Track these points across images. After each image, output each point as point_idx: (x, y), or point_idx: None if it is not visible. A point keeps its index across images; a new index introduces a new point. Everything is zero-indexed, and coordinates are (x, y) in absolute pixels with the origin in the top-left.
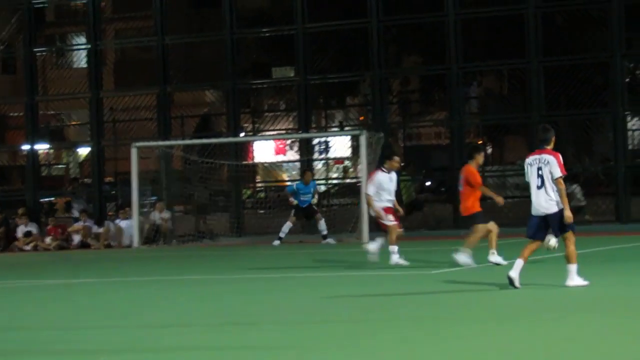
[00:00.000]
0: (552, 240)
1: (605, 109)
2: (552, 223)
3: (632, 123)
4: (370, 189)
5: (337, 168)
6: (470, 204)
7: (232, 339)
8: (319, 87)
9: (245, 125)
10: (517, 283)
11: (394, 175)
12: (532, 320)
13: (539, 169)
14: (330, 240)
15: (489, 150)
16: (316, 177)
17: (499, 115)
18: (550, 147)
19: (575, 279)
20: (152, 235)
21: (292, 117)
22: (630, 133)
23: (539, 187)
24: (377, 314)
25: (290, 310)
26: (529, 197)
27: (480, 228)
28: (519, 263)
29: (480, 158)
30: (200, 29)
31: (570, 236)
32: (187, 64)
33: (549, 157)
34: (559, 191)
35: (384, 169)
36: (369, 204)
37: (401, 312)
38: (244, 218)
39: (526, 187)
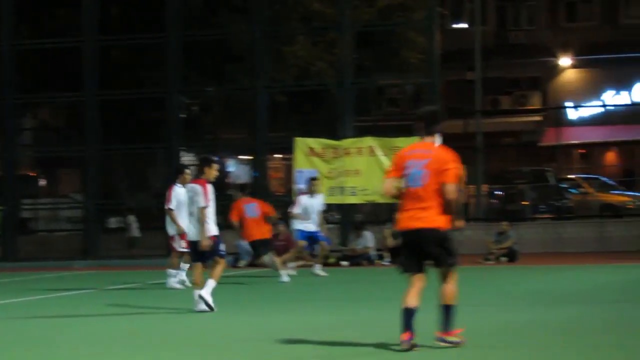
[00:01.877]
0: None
1: (161, 143)
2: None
3: (187, 158)
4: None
5: None
6: None
7: None
8: None
9: None
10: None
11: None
12: None
13: (191, 197)
14: None
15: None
16: None
17: (54, 148)
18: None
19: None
20: None
21: None
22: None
23: (191, 214)
24: None
25: None
26: (80, 230)
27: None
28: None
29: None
30: None
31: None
32: None
33: (197, 188)
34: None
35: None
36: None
37: None
38: None
39: (78, 220)
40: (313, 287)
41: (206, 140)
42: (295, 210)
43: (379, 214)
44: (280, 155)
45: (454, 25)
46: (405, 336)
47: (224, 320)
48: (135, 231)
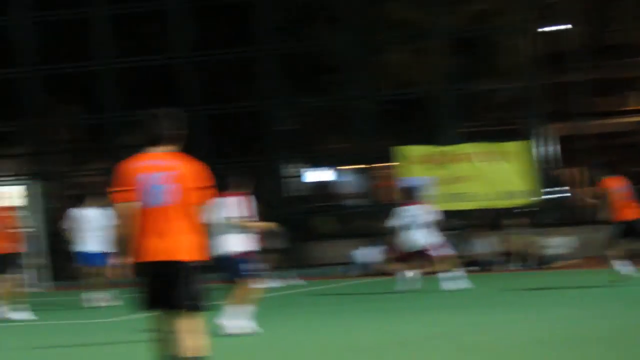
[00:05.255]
0: None
1: (264, 156)
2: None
3: (288, 171)
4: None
5: None
6: None
7: None
8: None
9: None
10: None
11: None
12: None
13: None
14: None
15: None
16: None
17: None
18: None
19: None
20: None
21: None
22: (285, 180)
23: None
24: None
25: None
26: None
27: None
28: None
29: None
30: None
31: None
32: None
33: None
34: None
35: None
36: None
37: None
38: None
39: None
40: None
41: (308, 152)
42: (394, 222)
43: (489, 218)
44: (384, 164)
45: (549, 28)
46: None
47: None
48: None
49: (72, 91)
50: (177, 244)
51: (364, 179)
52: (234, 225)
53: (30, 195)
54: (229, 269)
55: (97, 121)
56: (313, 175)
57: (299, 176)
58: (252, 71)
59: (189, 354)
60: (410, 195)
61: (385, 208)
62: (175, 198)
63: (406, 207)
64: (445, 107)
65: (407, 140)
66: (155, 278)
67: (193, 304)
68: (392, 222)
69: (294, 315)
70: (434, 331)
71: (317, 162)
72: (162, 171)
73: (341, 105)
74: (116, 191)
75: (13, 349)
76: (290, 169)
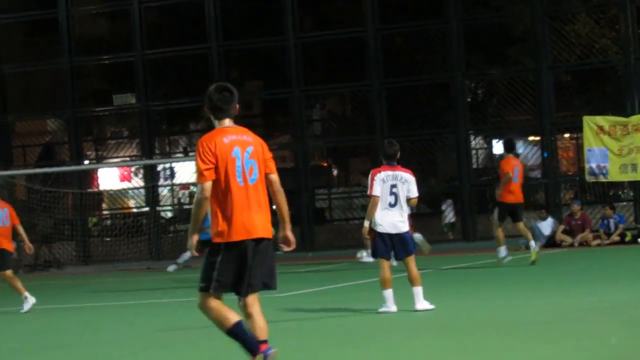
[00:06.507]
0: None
1: (448, 128)
2: (399, 243)
3: (476, 142)
4: None
5: (183, 194)
6: None
7: None
8: (161, 113)
9: (89, 153)
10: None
11: None
12: (383, 342)
13: (393, 186)
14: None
15: (335, 172)
16: (162, 203)
17: (343, 138)
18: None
19: (423, 302)
20: None
21: (135, 143)
22: (474, 152)
23: (392, 205)
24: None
25: (130, 340)
26: None
27: None
28: (389, 293)
29: None
30: (39, 57)
31: (413, 258)
32: (26, 93)
33: (408, 176)
34: (410, 210)
35: None
36: None
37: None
38: (90, 246)
39: None
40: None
41: (492, 123)
42: None
43: None
44: (568, 135)
45: None
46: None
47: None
48: (450, 216)
49: (255, 66)
50: (266, 220)
51: (548, 150)
52: (410, 204)
53: None
54: (401, 247)
55: (281, 95)
56: (500, 147)
57: (486, 148)
58: (439, 43)
59: (264, 336)
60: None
61: (567, 178)
62: (260, 173)
63: None
64: (631, 77)
65: (594, 110)
66: (243, 257)
67: (271, 282)
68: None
69: (466, 288)
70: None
71: (503, 134)
72: (248, 146)
73: (528, 76)
74: (207, 169)
75: None
76: (477, 141)
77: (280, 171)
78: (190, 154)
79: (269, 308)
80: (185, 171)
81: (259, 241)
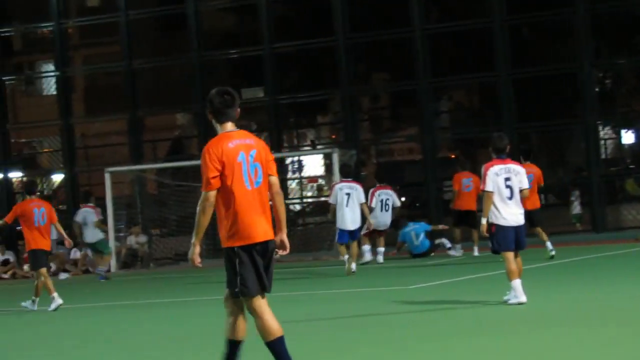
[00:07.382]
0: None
1: (576, 119)
2: (520, 235)
3: (604, 132)
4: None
5: (311, 187)
6: None
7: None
8: (289, 107)
9: None
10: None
11: None
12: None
13: (507, 179)
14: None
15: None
16: (290, 196)
17: (471, 129)
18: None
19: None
20: (129, 260)
21: (263, 137)
22: (602, 142)
23: (509, 198)
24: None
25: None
26: None
27: None
28: (518, 283)
29: None
30: (168, 52)
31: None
32: (156, 88)
33: (518, 168)
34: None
35: None
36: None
37: (371, 331)
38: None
39: None
40: None
41: (621, 113)
42: None
43: None
44: None
45: None
46: None
47: None
48: (577, 207)
49: (381, 58)
50: (270, 222)
51: None
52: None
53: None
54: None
55: (408, 87)
56: (629, 137)
57: (616, 138)
58: (566, 33)
59: (279, 334)
60: None
61: None
62: (264, 175)
63: None
64: None
65: None
66: (256, 260)
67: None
68: None
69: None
70: None
71: (633, 124)
72: (251, 150)
73: None
74: (214, 177)
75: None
76: (606, 131)
77: (407, 163)
78: (318, 146)
79: (396, 300)
80: (313, 164)
81: (265, 243)
